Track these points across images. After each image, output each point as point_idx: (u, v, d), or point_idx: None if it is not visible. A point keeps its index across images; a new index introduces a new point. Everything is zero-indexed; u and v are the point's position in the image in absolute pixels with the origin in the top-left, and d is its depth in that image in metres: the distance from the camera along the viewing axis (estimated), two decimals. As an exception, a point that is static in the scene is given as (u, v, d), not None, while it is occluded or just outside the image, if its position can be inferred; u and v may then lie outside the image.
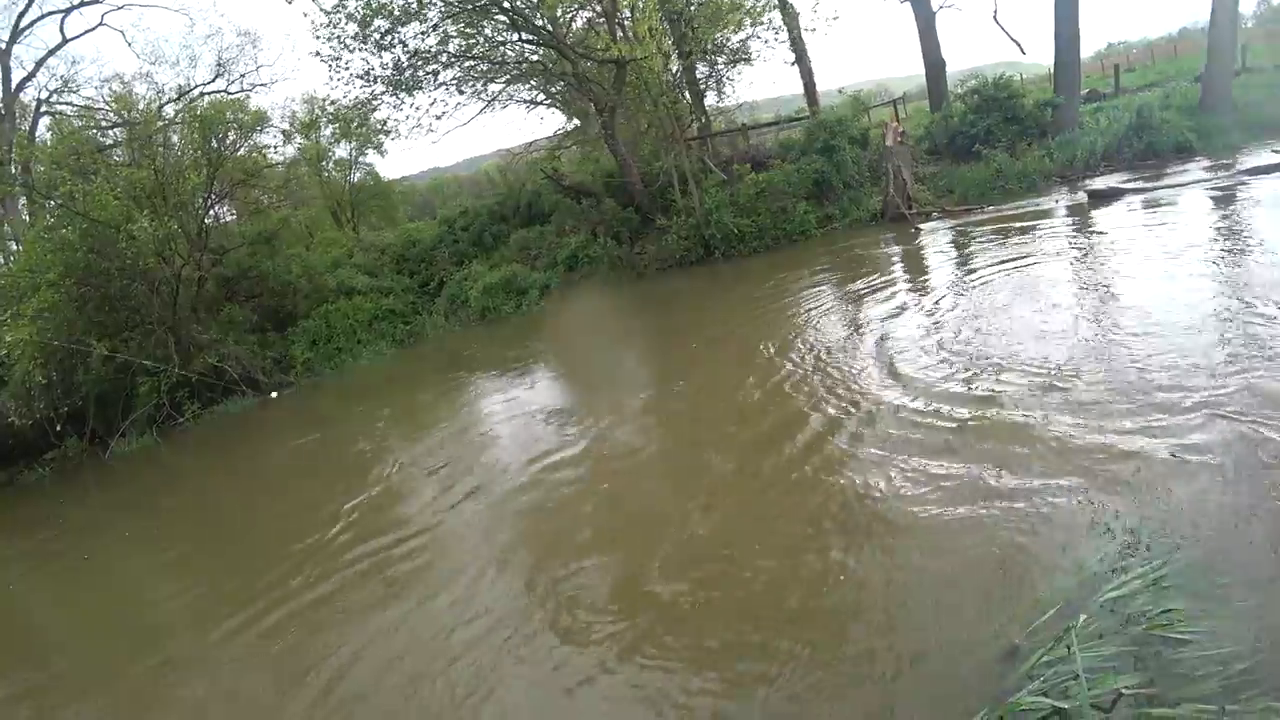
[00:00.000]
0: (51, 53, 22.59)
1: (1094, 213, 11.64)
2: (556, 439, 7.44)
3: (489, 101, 19.20)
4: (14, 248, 18.36)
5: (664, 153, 17.93)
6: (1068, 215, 12.05)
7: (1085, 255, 9.25)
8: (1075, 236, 10.46)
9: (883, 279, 10.61)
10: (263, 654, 4.83)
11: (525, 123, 37.65)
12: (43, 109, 22.66)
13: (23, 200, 18.08)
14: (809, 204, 16.14)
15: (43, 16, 22.41)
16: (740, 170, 17.31)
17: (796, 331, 8.89)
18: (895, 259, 12.24)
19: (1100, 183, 13.46)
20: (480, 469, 7.23)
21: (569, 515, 5.65)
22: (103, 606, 6.66)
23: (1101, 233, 10.19)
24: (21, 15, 21.89)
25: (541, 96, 20.71)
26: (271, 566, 6.19)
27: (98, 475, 12.52)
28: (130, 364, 13.93)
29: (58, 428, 13.44)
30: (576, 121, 21.76)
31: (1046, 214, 12.45)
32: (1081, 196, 13.00)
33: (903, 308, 8.79)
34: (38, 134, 21.08)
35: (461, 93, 18.34)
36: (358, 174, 21.83)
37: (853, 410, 6.03)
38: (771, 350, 8.34)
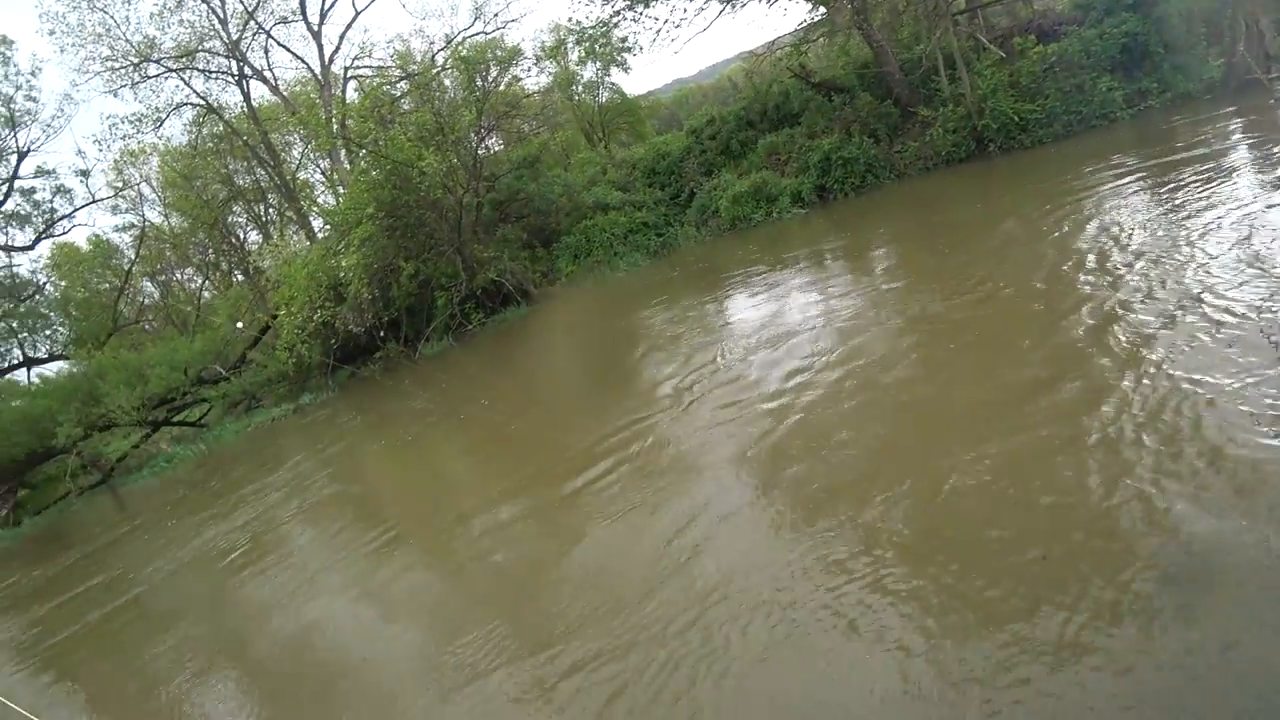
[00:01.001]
0: (349, 26, 26.04)
1: None
2: (813, 347, 6.55)
3: (727, 1, 18.02)
4: (341, 191, 21.90)
5: (926, 33, 15.21)
6: None
7: None
8: None
9: (1220, 175, 7.50)
10: (537, 524, 5.23)
11: (767, 19, 34.92)
12: (349, 74, 26.35)
13: (343, 151, 21.29)
14: (1113, 78, 12.63)
15: (340, -1, 25.75)
16: (1022, 44, 14.09)
17: (1104, 241, 6.58)
18: (1243, 144, 8.79)
19: None
20: (733, 375, 6.64)
21: (846, 425, 4.85)
22: (417, 475, 7.72)
23: None
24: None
25: (782, -13, 18.85)
26: (545, 453, 6.56)
27: (411, 371, 14.70)
28: (429, 281, 15.89)
29: (381, 334, 15.94)
30: (823, 10, 19.46)
31: None
32: None
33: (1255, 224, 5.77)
34: (347, 96, 24.73)
35: (699, -4, 17.47)
36: (604, 94, 22.33)
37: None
38: (1070, 264, 6.33)
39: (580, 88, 22.44)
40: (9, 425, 18.67)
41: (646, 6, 17.44)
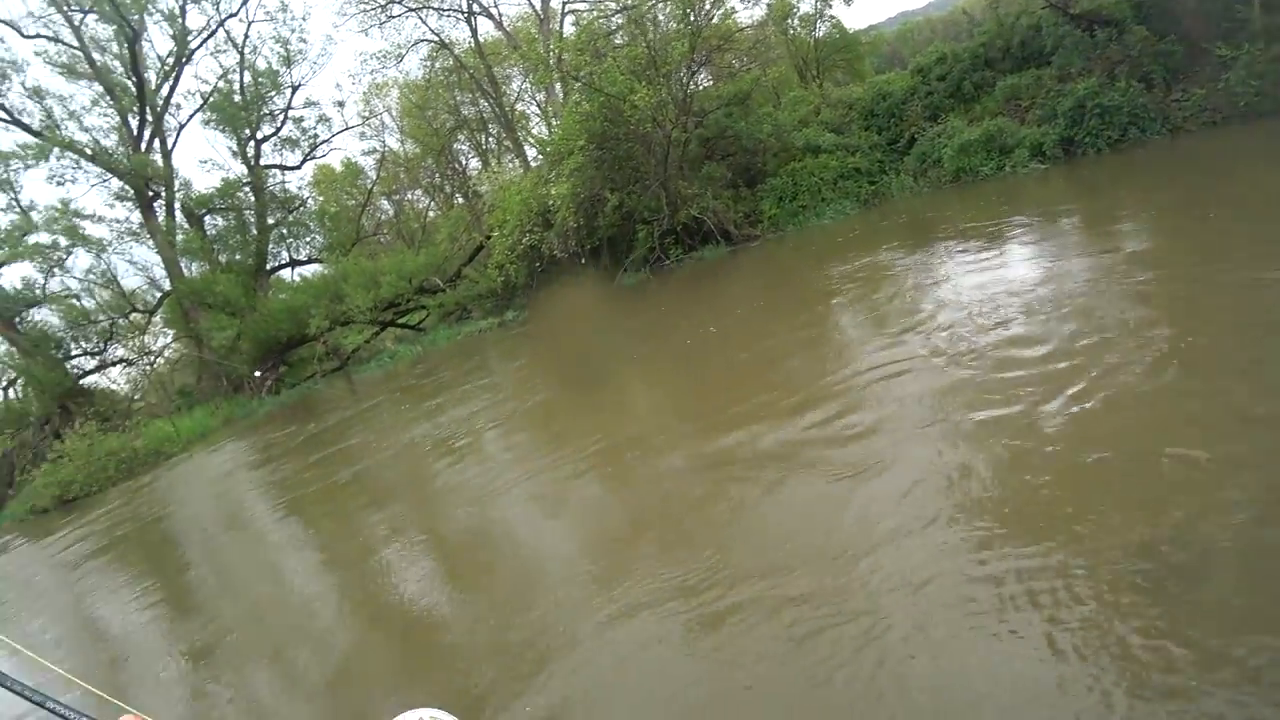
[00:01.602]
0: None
1: None
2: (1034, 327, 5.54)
3: None
4: (554, 123, 22.91)
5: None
6: None
7: None
8: None
9: None
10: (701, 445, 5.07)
11: None
12: (566, 9, 26.98)
13: (559, 85, 22.10)
14: None
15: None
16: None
17: None
18: None
19: None
20: (933, 341, 5.90)
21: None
22: (589, 391, 8.00)
23: None
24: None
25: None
26: (724, 386, 6.40)
27: (610, 299, 15.33)
28: (632, 213, 16.28)
29: (582, 261, 16.68)
30: None
31: None
32: None
33: None
34: (565, 31, 25.46)
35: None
36: (822, 28, 20.92)
37: None
38: None
39: (796, 21, 21.18)
40: (277, 313, 22.28)
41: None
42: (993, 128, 14.56)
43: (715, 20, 18.71)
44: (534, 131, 26.19)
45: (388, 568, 5.62)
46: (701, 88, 18.93)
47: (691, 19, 17.37)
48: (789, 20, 21.28)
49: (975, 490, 3.65)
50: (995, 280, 6.95)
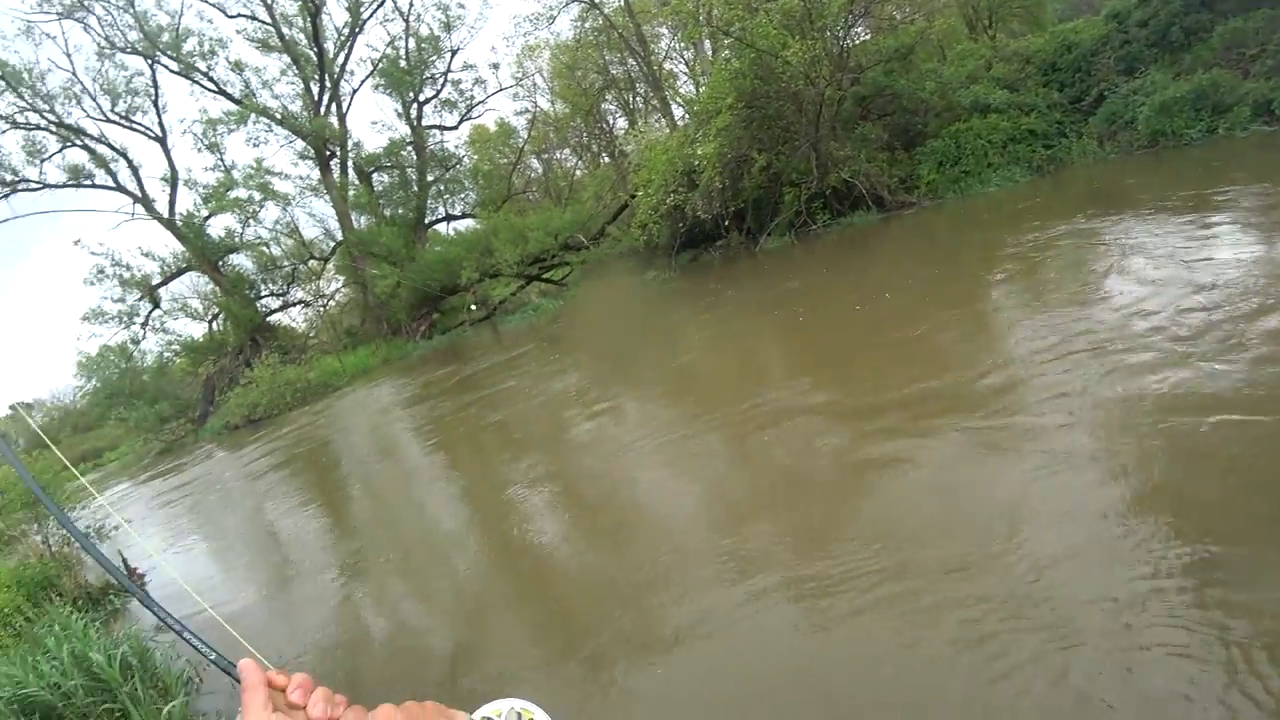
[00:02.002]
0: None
1: None
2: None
3: None
4: (702, 81, 22.71)
5: None
6: None
7: None
8: None
9: None
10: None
11: None
12: (717, -40, 26.30)
13: (708, 42, 21.77)
14: None
15: None
16: None
17: None
18: None
19: None
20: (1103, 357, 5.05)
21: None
22: (733, 356, 7.98)
23: None
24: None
25: None
26: (857, 360, 6.16)
27: (749, 263, 15.22)
28: (780, 175, 15.93)
29: (725, 223, 16.65)
30: None
31: None
32: None
33: None
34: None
35: None
36: (999, -29, 19.03)
37: None
38: None
39: (968, -35, 19.43)
40: (433, 264, 24.09)
41: None
42: (1205, 81, 12.81)
43: (876, -32, 17.59)
44: (681, 90, 26.15)
45: (526, 512, 5.99)
46: (859, 42, 17.97)
47: (852, -34, 16.44)
48: (960, -36, 19.57)
49: (1194, 505, 3.18)
50: (1211, 266, 5.97)
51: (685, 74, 27.62)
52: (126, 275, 27.02)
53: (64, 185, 26.04)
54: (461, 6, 27.68)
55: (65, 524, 1.01)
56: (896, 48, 16.29)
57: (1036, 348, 5.31)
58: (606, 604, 4.08)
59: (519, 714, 0.77)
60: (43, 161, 25.50)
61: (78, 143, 25.82)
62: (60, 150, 25.78)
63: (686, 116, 20.43)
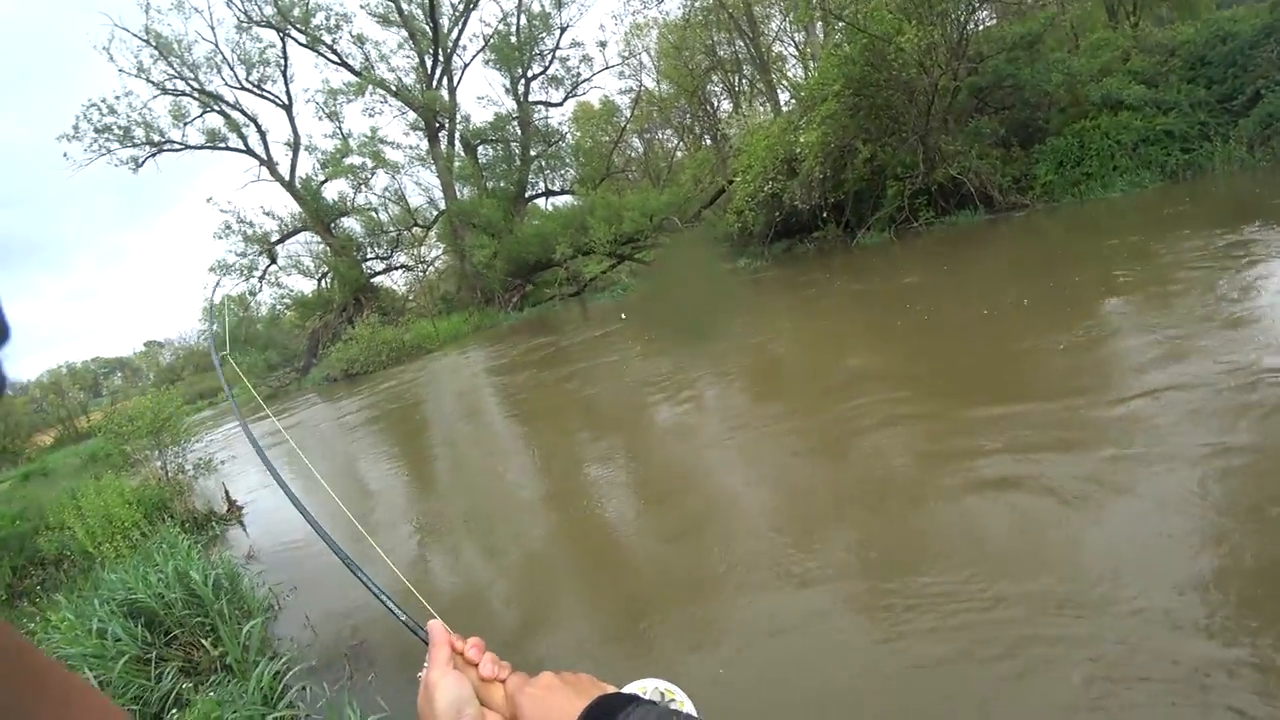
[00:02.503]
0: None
1: None
2: None
3: None
4: (812, 66, 22.21)
5: None
6: None
7: None
8: None
9: None
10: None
11: None
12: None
13: (820, 24, 21.21)
14: None
15: None
16: None
17: None
18: None
19: None
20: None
21: None
22: (814, 349, 7.87)
23: None
24: None
25: None
26: (983, 370, 5.94)
27: (845, 258, 14.88)
28: (883, 168, 15.48)
29: (824, 214, 16.37)
30: None
31: None
32: None
33: None
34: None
35: None
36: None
37: None
38: None
39: (1114, -56, 17.95)
40: (530, 237, 24.87)
41: None
42: (1384, 83, 11.49)
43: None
44: (789, 74, 25.64)
45: (599, 492, 6.11)
46: (983, 28, 17.05)
47: (981, -55, 15.58)
48: (1103, -57, 18.10)
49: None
50: None
51: (794, 58, 27.08)
52: (250, 232, 29.38)
53: (202, 146, 28.51)
54: (572, -18, 28.08)
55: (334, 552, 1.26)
56: (1023, 34, 15.36)
57: (1179, 382, 4.94)
58: (676, 593, 4.08)
59: (662, 693, 0.82)
60: (185, 125, 27.95)
61: (215, 108, 28.15)
62: (200, 115, 28.19)
63: (792, 102, 20.04)
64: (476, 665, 0.74)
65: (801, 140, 16.18)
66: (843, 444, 5.52)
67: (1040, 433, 4.65)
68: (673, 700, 0.82)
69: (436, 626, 0.77)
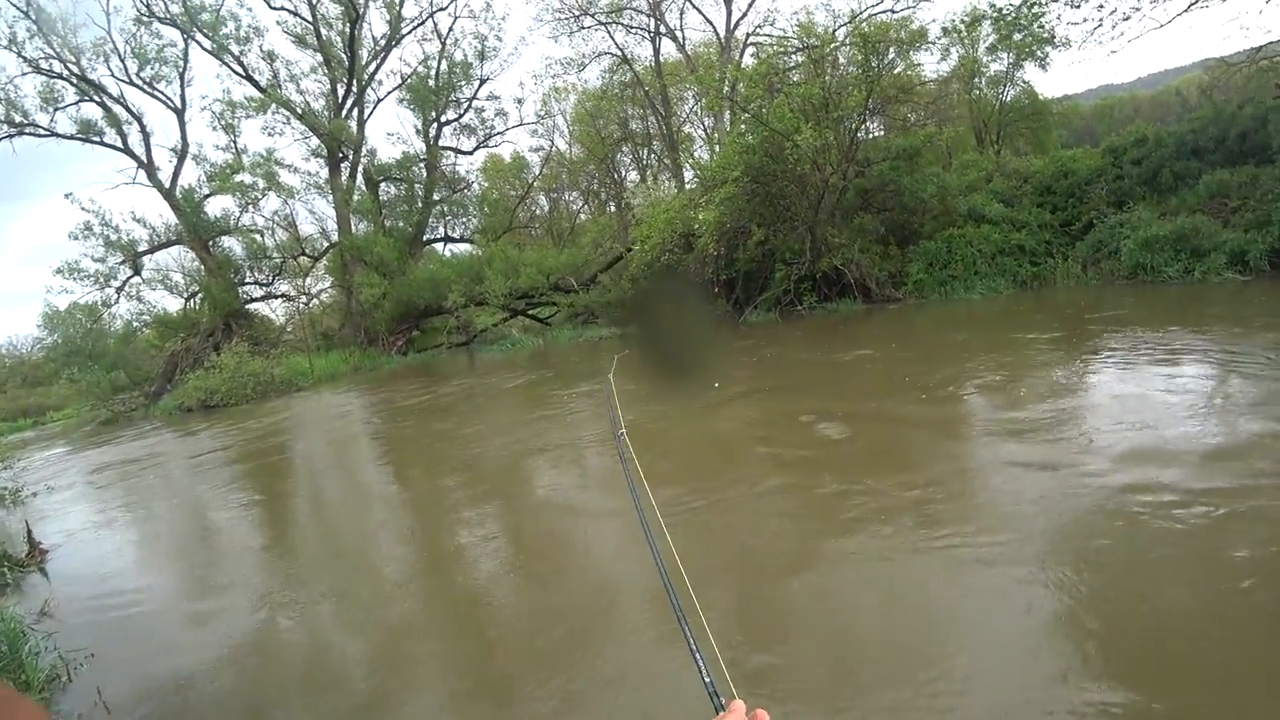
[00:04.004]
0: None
1: None
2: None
3: None
4: (716, 149, 23.26)
5: None
6: None
7: None
8: None
9: None
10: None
11: (1259, 18, 26.85)
12: (749, 40, 27.32)
13: (728, 113, 22.39)
14: None
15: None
16: None
17: None
18: None
19: None
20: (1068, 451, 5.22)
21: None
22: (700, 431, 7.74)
23: None
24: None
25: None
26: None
27: (732, 332, 15.19)
28: (774, 252, 16.15)
29: (715, 289, 16.72)
30: None
31: None
32: None
33: None
34: (744, 61, 25.81)
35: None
36: (1011, 92, 19.89)
37: None
38: None
39: (983, 81, 20.30)
40: (422, 281, 24.01)
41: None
42: (1187, 225, 13.21)
43: (897, 70, 18.31)
44: (695, 154, 26.75)
45: (468, 551, 5.74)
46: (871, 137, 18.54)
47: (875, 65, 17.05)
48: (976, 79, 20.44)
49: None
50: (1154, 400, 6.18)
51: (702, 139, 28.42)
52: (114, 237, 26.64)
53: (72, 137, 25.85)
54: (499, 39, 28.55)
55: None
56: (905, 147, 16.82)
57: (991, 460, 5.19)
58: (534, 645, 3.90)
59: None
60: (55, 110, 25.40)
61: (96, 99, 25.77)
62: (76, 103, 25.72)
63: (695, 180, 20.80)
64: None
65: (700, 217, 16.70)
66: (760, 512, 5.33)
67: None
68: None
69: (740, 706, 0.78)
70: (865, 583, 4.03)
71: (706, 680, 0.90)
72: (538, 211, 34.42)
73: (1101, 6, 15.24)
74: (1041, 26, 17.28)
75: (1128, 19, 15.21)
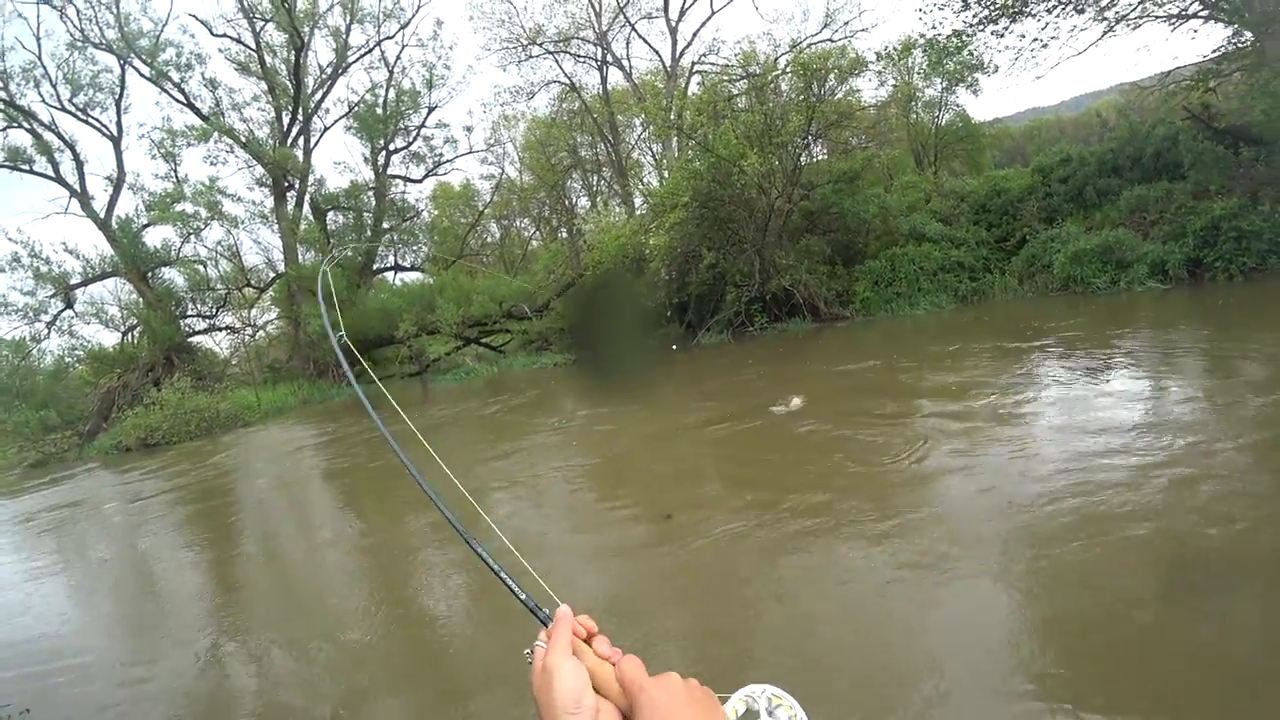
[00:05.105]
0: (703, 25, 27.58)
1: None
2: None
3: (1116, 21, 15.57)
4: (664, 176, 23.57)
5: None
6: None
7: None
8: None
9: None
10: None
11: (1165, 45, 29.30)
12: (694, 69, 27.92)
13: (675, 140, 22.77)
14: None
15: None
16: None
17: None
18: None
19: None
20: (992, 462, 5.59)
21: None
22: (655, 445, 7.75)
23: None
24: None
25: (1196, 6, 15.54)
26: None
27: (687, 356, 15.27)
28: (724, 275, 16.35)
29: (668, 313, 16.83)
30: (1249, 36, 15.63)
31: None
32: None
33: None
34: (690, 89, 26.35)
35: (1080, 12, 15.41)
36: (945, 115, 20.79)
37: None
38: None
39: (920, 106, 21.17)
40: (372, 311, 23.54)
41: (1013, 21, 16.03)
42: (1111, 238, 13.91)
43: (837, 96, 18.90)
44: (644, 180, 27.08)
45: (422, 589, 5.69)
46: (814, 160, 19.05)
47: (815, 91, 17.56)
48: (912, 104, 21.27)
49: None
50: (1093, 398, 6.64)
51: (651, 165, 28.82)
52: (44, 269, 25.43)
53: (-1, 165, 24.75)
54: (447, 68, 28.49)
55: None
56: (846, 170, 17.31)
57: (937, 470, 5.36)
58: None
59: (769, 698, 0.79)
60: (-21, 137, 24.27)
61: (25, 125, 24.76)
62: (3, 129, 24.59)
63: (645, 206, 21.00)
64: (590, 642, 0.74)
65: (651, 242, 16.83)
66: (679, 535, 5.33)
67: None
68: (780, 705, 0.78)
69: (566, 610, 0.76)
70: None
71: (523, 598, 0.85)
72: (489, 239, 34.26)
73: (1023, 36, 16.15)
74: (971, 54, 18.14)
75: (1046, 47, 16.20)
